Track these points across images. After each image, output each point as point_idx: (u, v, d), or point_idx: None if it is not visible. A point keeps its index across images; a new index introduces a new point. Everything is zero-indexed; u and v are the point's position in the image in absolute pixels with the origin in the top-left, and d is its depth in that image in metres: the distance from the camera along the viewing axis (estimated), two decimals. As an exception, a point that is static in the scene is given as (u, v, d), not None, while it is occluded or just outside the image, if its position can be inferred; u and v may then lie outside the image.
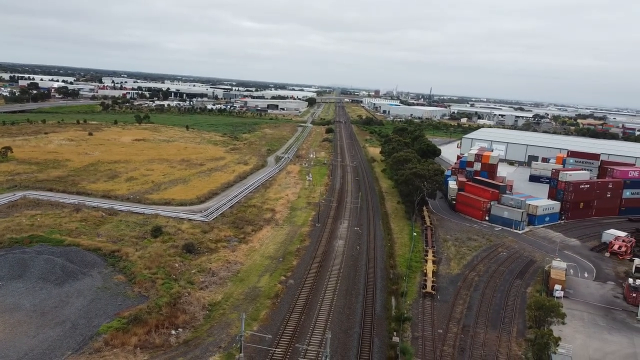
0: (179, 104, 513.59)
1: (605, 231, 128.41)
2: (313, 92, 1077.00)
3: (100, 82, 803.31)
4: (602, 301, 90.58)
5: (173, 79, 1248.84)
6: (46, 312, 73.81)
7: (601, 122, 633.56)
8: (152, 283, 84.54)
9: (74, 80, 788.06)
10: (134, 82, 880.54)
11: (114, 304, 77.93)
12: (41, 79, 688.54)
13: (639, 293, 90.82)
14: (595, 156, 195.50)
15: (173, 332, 70.43)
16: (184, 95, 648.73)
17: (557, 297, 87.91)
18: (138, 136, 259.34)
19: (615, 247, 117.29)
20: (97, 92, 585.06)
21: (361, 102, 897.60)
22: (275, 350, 66.07)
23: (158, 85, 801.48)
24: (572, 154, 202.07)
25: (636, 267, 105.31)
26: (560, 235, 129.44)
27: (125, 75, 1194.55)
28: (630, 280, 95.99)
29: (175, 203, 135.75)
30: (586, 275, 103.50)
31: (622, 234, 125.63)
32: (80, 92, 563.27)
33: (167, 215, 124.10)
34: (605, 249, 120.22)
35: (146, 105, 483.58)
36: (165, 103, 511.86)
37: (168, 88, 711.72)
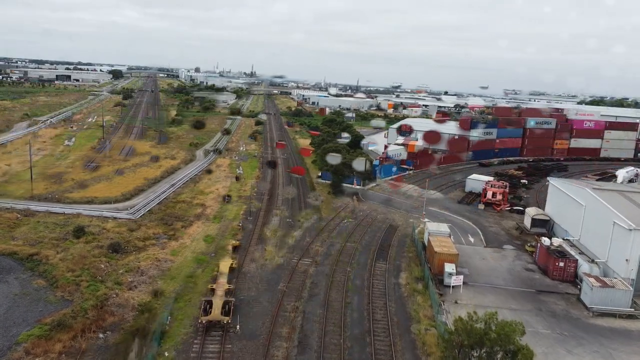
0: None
1: (469, 177, 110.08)
2: (242, 83, 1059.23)
3: None
4: (516, 282, 64.07)
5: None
6: (-44, 324, 68.42)
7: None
8: (77, 286, 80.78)
9: None
10: None
11: (35, 310, 73.68)
12: None
13: (567, 260, 62.64)
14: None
15: (101, 335, 67.89)
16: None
17: (453, 285, 58.45)
18: None
19: (489, 195, 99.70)
20: None
21: (290, 93, 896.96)
22: (209, 347, 65.52)
23: None
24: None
25: (532, 220, 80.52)
26: (415, 188, 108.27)
27: None
28: (545, 241, 67.12)
29: (98, 201, 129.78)
30: (472, 239, 75.71)
31: (490, 178, 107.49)
32: None
33: (90, 214, 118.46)
34: (475, 199, 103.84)
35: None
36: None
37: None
